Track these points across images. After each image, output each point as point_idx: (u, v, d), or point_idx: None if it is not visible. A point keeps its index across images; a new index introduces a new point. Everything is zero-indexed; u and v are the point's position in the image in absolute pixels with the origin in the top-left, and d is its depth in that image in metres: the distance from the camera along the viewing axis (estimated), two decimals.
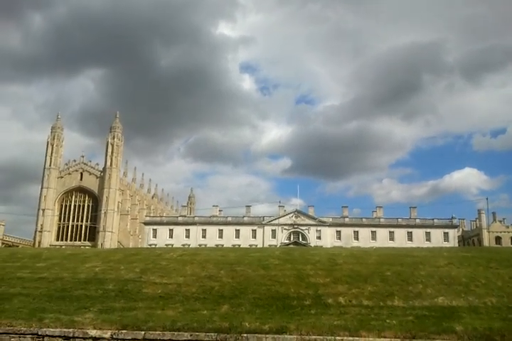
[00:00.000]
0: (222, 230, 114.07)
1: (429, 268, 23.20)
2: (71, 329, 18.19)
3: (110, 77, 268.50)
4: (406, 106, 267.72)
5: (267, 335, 16.26)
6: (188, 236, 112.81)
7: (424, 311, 17.65)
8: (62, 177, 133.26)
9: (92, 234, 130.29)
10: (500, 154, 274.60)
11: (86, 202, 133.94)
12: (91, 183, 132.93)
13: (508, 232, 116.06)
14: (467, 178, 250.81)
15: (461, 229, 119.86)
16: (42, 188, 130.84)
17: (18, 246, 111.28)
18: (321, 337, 15.98)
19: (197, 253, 29.14)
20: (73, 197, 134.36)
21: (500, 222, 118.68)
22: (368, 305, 18.52)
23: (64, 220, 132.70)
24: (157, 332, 17.18)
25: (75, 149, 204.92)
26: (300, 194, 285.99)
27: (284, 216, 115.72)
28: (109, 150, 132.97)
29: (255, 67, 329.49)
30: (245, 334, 16.12)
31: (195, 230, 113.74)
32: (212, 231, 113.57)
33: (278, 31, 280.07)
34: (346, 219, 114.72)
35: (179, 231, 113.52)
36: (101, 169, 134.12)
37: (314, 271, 23.02)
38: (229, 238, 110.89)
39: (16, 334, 18.74)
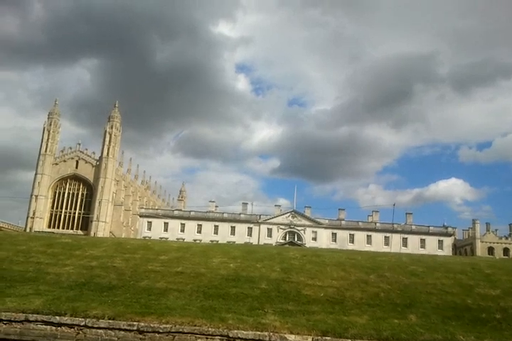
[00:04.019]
0: (217, 226, 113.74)
1: None
2: (266, 333, 17.52)
3: (106, 67, 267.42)
4: (396, 114, 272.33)
5: None
6: (183, 231, 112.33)
7: None
8: (57, 164, 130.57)
9: (85, 223, 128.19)
10: (486, 167, 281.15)
11: (80, 190, 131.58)
12: (86, 172, 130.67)
13: (501, 243, 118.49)
14: (452, 188, 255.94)
15: (453, 238, 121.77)
16: (36, 174, 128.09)
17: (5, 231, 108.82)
18: None
19: (318, 254, 28.67)
20: (67, 184, 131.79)
21: (493, 232, 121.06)
22: None
23: (57, 208, 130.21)
24: None
25: (65, 137, 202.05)
26: (288, 195, 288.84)
27: (281, 215, 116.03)
28: (107, 139, 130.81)
29: (251, 67, 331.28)
30: None
31: (191, 225, 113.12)
32: (207, 226, 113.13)
33: (276, 33, 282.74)
34: (343, 222, 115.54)
35: (174, 224, 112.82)
36: (97, 158, 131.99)
37: (474, 282, 22.81)
38: (224, 234, 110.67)
39: (203, 334, 18.01)
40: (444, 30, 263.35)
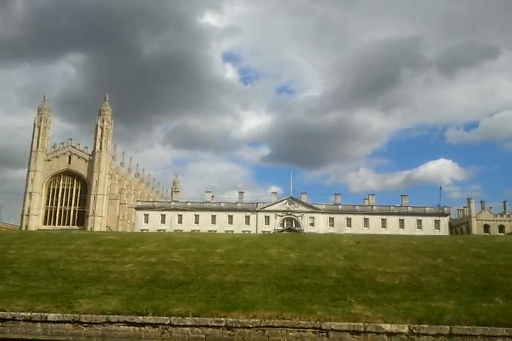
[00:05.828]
0: (215, 216, 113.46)
1: None
2: (360, 323, 17.42)
3: (92, 62, 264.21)
4: (384, 99, 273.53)
5: None
6: (180, 222, 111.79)
7: None
8: (49, 160, 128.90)
9: (81, 218, 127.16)
10: (473, 147, 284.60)
11: (74, 185, 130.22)
12: (80, 167, 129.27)
13: (496, 221, 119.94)
14: (441, 168, 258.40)
15: (449, 218, 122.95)
16: (29, 171, 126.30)
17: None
18: None
19: (371, 240, 28.78)
20: (61, 180, 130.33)
21: (488, 210, 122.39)
22: None
23: (52, 204, 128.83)
24: (466, 327, 16.69)
25: (53, 133, 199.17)
26: (280, 182, 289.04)
27: (278, 202, 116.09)
28: (99, 133, 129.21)
29: (238, 56, 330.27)
30: None
31: (188, 215, 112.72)
32: (205, 216, 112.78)
33: (263, 22, 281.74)
34: (339, 206, 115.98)
35: (171, 216, 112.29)
36: (90, 153, 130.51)
37: None
38: (222, 224, 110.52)
39: (295, 328, 17.86)
40: (429, 14, 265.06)
